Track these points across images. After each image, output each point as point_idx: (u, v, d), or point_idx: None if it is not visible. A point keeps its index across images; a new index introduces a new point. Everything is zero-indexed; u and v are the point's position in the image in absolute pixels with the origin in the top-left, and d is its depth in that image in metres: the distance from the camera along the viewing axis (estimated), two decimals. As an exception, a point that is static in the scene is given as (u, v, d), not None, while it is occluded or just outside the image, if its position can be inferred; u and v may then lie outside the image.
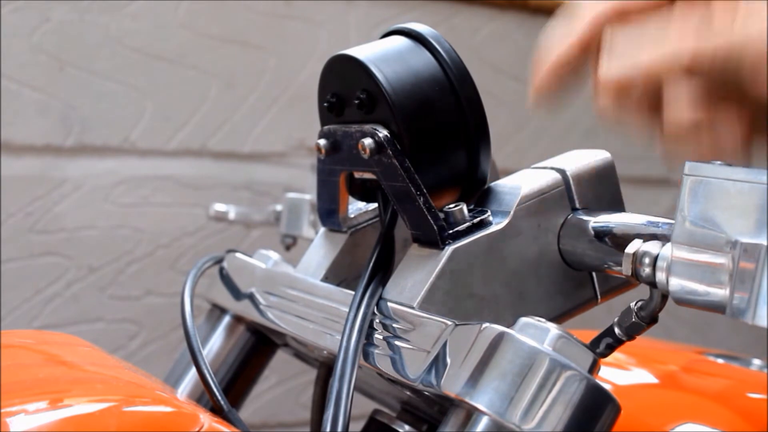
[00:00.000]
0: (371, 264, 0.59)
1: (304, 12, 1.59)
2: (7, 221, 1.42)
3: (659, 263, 0.48)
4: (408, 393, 0.57)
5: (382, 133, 0.57)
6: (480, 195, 0.61)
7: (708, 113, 0.48)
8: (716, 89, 0.47)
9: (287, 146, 1.60)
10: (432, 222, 0.56)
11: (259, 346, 0.76)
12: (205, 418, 0.52)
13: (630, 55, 0.49)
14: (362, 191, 0.64)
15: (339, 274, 0.66)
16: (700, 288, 0.45)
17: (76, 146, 1.45)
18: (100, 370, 0.63)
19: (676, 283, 0.46)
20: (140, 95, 1.48)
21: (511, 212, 0.57)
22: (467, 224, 0.57)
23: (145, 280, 1.51)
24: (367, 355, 0.55)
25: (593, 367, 0.47)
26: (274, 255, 0.73)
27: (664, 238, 0.50)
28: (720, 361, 0.93)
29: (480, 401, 0.46)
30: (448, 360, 0.49)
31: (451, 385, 0.48)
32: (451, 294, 0.55)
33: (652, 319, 0.51)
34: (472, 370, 0.47)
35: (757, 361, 0.92)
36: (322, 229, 0.69)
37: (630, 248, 0.50)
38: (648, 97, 0.50)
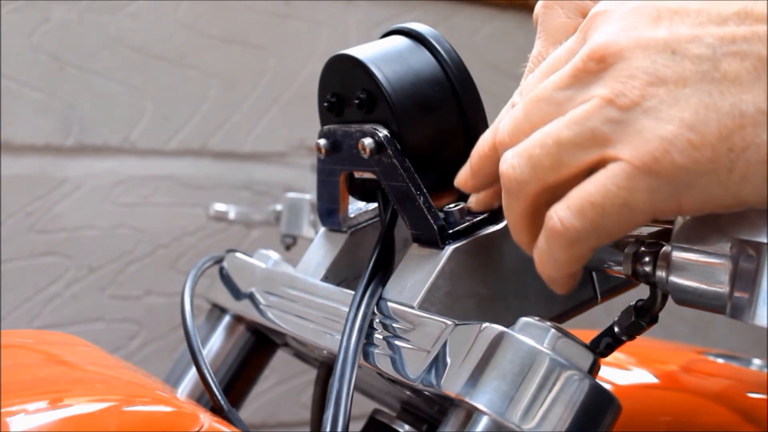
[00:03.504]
0: (371, 264, 0.59)
1: (304, 12, 1.59)
2: (7, 221, 1.42)
3: (659, 263, 0.48)
4: (408, 393, 0.57)
5: (382, 132, 0.57)
6: (480, 195, 0.60)
7: None
8: None
9: (287, 146, 1.60)
10: (432, 222, 0.56)
11: (259, 345, 0.76)
12: (205, 418, 0.52)
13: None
14: (362, 191, 0.64)
15: (339, 273, 0.65)
16: (700, 288, 0.45)
17: (76, 146, 1.45)
18: (100, 370, 0.62)
19: (676, 283, 0.46)
20: (140, 95, 1.48)
21: (511, 212, 0.57)
22: (467, 224, 0.57)
23: (145, 280, 1.51)
24: (367, 355, 0.55)
25: (593, 367, 0.47)
26: (274, 255, 0.73)
27: (664, 238, 0.50)
28: (720, 361, 0.93)
29: (480, 401, 0.46)
30: (448, 360, 0.49)
31: (451, 385, 0.48)
32: (451, 294, 0.55)
33: (652, 319, 0.51)
34: (472, 369, 0.47)
35: (757, 361, 0.92)
36: (322, 229, 0.68)
37: (630, 248, 0.50)
38: None
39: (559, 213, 0.43)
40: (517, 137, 0.46)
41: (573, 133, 0.43)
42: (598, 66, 0.43)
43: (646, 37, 0.42)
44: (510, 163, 0.46)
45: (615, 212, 0.42)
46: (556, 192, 0.44)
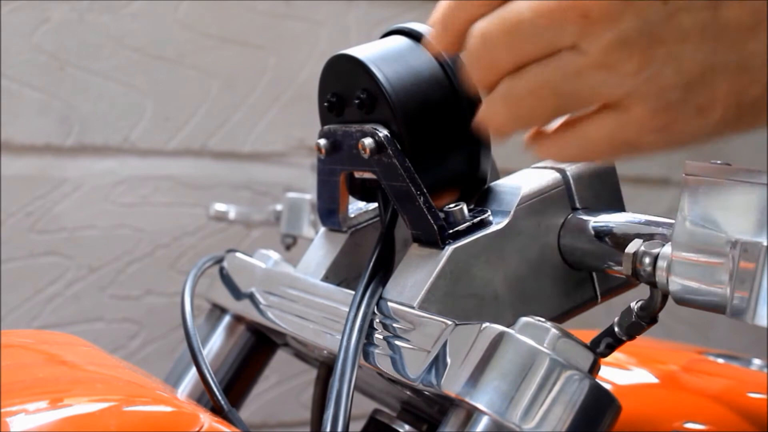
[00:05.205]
0: (371, 264, 0.59)
1: (304, 12, 1.59)
2: (7, 221, 1.42)
3: (659, 263, 0.48)
4: (408, 393, 0.57)
5: (382, 132, 0.57)
6: (480, 195, 0.61)
7: None
8: None
9: (287, 146, 1.60)
10: (432, 222, 0.56)
11: (259, 345, 0.76)
12: (205, 418, 0.52)
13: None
14: (362, 191, 0.64)
15: (339, 273, 0.66)
16: (700, 288, 0.45)
17: (76, 146, 1.45)
18: (100, 370, 0.62)
19: (676, 283, 0.46)
20: (140, 95, 1.48)
21: (512, 212, 0.57)
22: (467, 224, 0.57)
23: (145, 280, 1.51)
24: (367, 355, 0.55)
25: (593, 367, 0.47)
26: (274, 255, 0.73)
27: (664, 238, 0.50)
28: (720, 361, 0.93)
29: (480, 401, 0.46)
30: (448, 360, 0.49)
31: (451, 385, 0.48)
32: (451, 294, 0.55)
33: (652, 319, 0.51)
34: (472, 369, 0.47)
35: (757, 361, 0.92)
36: (322, 229, 0.68)
37: (630, 248, 0.50)
38: None
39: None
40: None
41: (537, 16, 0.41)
42: None
43: None
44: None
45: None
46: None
